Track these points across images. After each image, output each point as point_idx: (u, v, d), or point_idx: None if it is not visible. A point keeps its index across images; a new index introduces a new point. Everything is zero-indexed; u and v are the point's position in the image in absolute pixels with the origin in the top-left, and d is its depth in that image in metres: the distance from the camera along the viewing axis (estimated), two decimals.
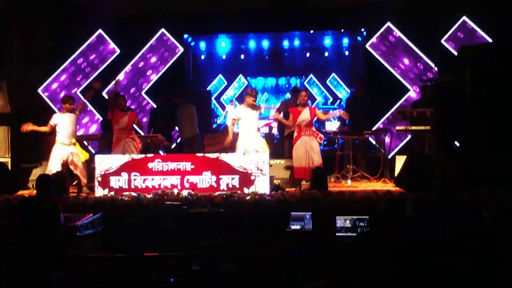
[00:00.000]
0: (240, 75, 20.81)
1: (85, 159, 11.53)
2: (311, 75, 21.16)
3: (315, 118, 11.43)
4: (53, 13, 14.61)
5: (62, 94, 14.84)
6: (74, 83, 15.32)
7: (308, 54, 20.03)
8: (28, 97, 14.96)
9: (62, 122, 11.44)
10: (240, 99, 18.66)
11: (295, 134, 11.33)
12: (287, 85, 21.74)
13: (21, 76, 14.76)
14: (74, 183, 11.72)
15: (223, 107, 20.51)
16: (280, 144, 13.88)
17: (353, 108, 13.06)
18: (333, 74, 20.42)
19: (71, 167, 11.38)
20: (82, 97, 11.91)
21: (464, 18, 14.16)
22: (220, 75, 20.55)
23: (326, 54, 19.67)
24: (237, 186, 10.15)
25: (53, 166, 11.19)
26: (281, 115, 12.19)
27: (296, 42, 18.67)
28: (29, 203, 7.89)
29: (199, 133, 13.72)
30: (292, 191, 10.20)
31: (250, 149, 10.85)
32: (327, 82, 20.79)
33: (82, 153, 11.50)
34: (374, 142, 13.76)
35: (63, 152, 11.33)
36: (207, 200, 9.59)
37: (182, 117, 13.61)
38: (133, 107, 14.96)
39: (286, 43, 18.84)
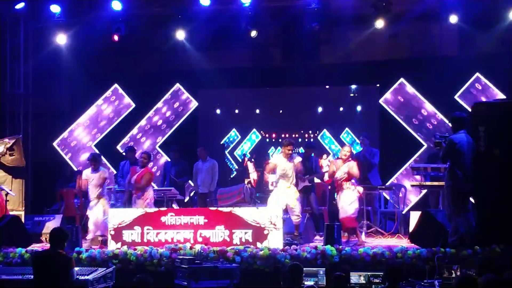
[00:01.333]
0: (254, 129, 20.90)
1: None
2: (325, 130, 21.21)
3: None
4: (70, 68, 14.79)
5: (76, 148, 14.97)
6: (89, 136, 15.44)
7: (321, 109, 20.12)
8: (44, 151, 15.08)
9: (89, 178, 11.53)
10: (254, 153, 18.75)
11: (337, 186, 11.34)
12: (300, 139, 21.78)
13: (36, 129, 14.90)
14: (87, 237, 11.71)
15: (237, 161, 20.54)
16: None
17: (361, 164, 13.04)
18: (347, 128, 20.45)
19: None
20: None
21: (478, 74, 14.23)
22: (233, 129, 20.65)
23: (341, 109, 19.74)
24: (250, 240, 10.09)
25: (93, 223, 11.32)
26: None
27: (310, 97, 18.75)
28: (42, 257, 7.86)
29: (216, 190, 13.64)
30: (306, 246, 10.11)
31: (282, 201, 10.83)
32: (341, 136, 20.82)
33: (106, 207, 11.54)
34: (388, 197, 13.69)
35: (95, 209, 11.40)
36: (219, 255, 9.53)
37: (202, 171, 13.56)
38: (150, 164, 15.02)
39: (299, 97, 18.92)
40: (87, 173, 11.58)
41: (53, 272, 7.48)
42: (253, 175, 15.42)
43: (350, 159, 11.25)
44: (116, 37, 14.01)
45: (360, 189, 11.42)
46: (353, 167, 11.12)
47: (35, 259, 7.90)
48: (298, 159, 11.25)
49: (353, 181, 11.18)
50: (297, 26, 14.21)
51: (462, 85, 14.29)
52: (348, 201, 10.98)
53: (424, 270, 8.85)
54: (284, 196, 10.86)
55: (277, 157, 11.50)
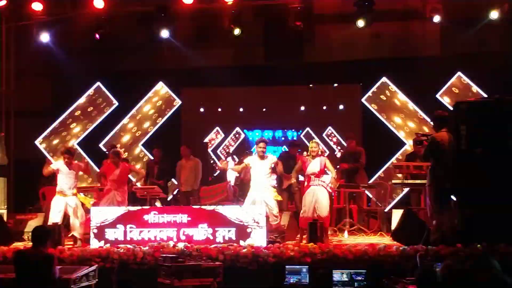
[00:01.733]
0: (237, 127, 20.88)
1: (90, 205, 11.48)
2: (308, 128, 21.23)
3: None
4: (52, 66, 14.73)
5: (59, 146, 14.91)
6: (72, 135, 15.40)
7: (303, 108, 20.14)
8: (26, 149, 15.02)
9: (62, 172, 11.38)
10: (238, 153, 18.71)
11: (305, 183, 11.31)
12: (283, 138, 21.78)
13: (19, 128, 14.83)
14: (69, 235, 11.66)
15: (219, 159, 20.50)
16: None
17: (346, 163, 13.10)
18: (329, 127, 20.49)
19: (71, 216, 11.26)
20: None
21: (459, 73, 14.34)
22: (217, 127, 20.62)
23: (324, 107, 19.77)
24: (234, 238, 10.11)
25: (53, 217, 11.14)
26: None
27: (293, 96, 18.77)
28: (24, 255, 7.81)
29: (199, 188, 13.65)
30: (289, 244, 10.13)
31: (258, 199, 10.85)
32: (323, 135, 20.85)
33: (85, 201, 11.43)
34: (371, 196, 13.76)
35: (61, 203, 11.25)
36: (203, 253, 9.53)
37: (186, 169, 13.57)
38: (130, 158, 15.00)
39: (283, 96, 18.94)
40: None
41: (35, 271, 7.44)
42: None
43: (320, 154, 11.32)
44: (97, 36, 13.96)
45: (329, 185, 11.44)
46: (326, 162, 11.19)
47: (16, 257, 7.85)
48: (272, 159, 11.28)
49: (323, 177, 11.23)
50: (280, 25, 14.24)
51: (444, 84, 14.41)
52: (323, 200, 10.98)
53: (406, 268, 8.90)
54: (261, 196, 10.91)
55: (251, 157, 11.51)
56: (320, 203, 10.94)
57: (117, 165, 11.66)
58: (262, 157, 11.15)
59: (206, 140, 19.17)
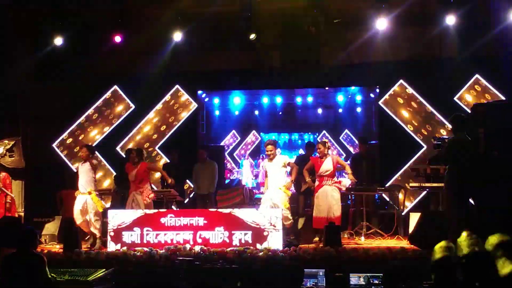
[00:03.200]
0: (254, 131, 20.92)
1: (101, 208, 11.52)
2: (324, 131, 21.23)
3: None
4: (69, 70, 14.80)
5: (76, 149, 14.99)
6: (89, 138, 15.46)
7: (320, 111, 20.14)
8: (43, 153, 15.10)
9: (79, 171, 11.55)
10: (253, 155, 18.75)
11: (317, 183, 11.30)
12: (300, 141, 21.80)
13: (36, 131, 14.92)
14: (87, 238, 11.72)
15: (236, 163, 20.54)
16: (295, 200, 13.82)
17: (358, 166, 13.04)
18: (346, 130, 20.47)
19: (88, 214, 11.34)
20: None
21: (477, 76, 14.25)
22: (233, 131, 20.66)
23: (340, 110, 19.76)
24: (250, 241, 10.11)
25: (75, 215, 11.27)
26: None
27: (310, 99, 18.78)
28: (11, 258, 7.71)
29: (215, 191, 13.66)
30: (306, 247, 10.11)
31: (270, 202, 10.87)
32: (340, 138, 20.83)
33: (98, 203, 11.48)
34: (387, 199, 13.70)
35: (79, 201, 11.36)
36: (219, 256, 9.54)
37: (202, 172, 13.58)
38: (147, 161, 15.03)
39: (299, 99, 18.96)
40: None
41: (24, 272, 7.32)
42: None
43: (327, 154, 11.32)
44: (118, 38, 14.06)
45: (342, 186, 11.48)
46: (337, 159, 11.25)
47: (5, 261, 7.73)
48: (283, 159, 11.29)
49: (335, 179, 11.26)
50: (296, 28, 14.24)
51: (462, 86, 14.32)
52: (335, 200, 11.00)
53: (424, 272, 8.84)
54: (274, 198, 10.90)
55: (264, 161, 11.55)
56: (333, 203, 10.95)
57: (136, 165, 11.75)
58: (272, 159, 11.17)
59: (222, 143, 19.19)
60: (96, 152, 14.64)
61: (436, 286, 5.76)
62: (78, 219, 11.16)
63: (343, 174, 15.64)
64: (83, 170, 11.47)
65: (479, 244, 5.62)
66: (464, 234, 5.65)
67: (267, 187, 11.20)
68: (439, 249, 5.86)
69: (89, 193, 11.39)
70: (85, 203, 11.28)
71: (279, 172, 11.15)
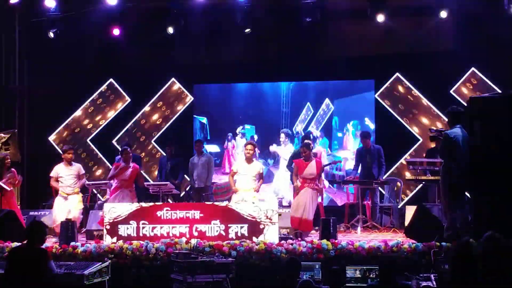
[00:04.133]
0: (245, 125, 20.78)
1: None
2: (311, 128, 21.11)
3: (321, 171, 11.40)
4: (65, 62, 14.77)
5: (72, 142, 14.99)
6: (84, 131, 15.45)
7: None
8: (39, 145, 15.08)
9: (63, 174, 11.58)
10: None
11: (298, 183, 11.19)
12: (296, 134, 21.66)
13: (32, 124, 14.91)
14: (83, 231, 11.73)
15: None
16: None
17: (363, 160, 13.04)
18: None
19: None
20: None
21: (473, 69, 14.25)
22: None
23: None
24: (246, 235, 10.09)
25: (58, 216, 11.31)
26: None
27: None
28: (17, 252, 7.69)
29: (211, 185, 13.65)
30: (302, 240, 10.11)
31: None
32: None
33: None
34: (384, 192, 13.71)
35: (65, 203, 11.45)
36: (215, 249, 9.53)
37: (198, 166, 13.54)
38: (142, 154, 15.03)
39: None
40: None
41: (28, 267, 7.29)
42: None
43: (312, 157, 11.23)
44: (117, 31, 14.06)
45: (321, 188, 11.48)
46: (322, 161, 11.23)
47: (10, 254, 7.74)
48: (259, 167, 11.28)
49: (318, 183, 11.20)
50: (293, 21, 14.22)
51: (458, 79, 14.33)
52: (310, 203, 10.90)
53: (420, 265, 8.87)
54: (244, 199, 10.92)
55: (238, 161, 11.43)
56: (309, 207, 10.80)
57: (127, 165, 11.79)
58: (250, 161, 11.15)
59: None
60: (92, 146, 14.74)
61: (453, 278, 5.75)
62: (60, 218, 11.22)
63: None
64: (69, 172, 11.60)
65: (501, 240, 5.61)
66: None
67: (234, 186, 11.16)
68: (460, 242, 5.88)
69: (77, 193, 11.62)
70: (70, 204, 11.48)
71: (251, 177, 11.11)
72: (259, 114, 15.86)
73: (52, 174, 11.72)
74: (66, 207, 11.42)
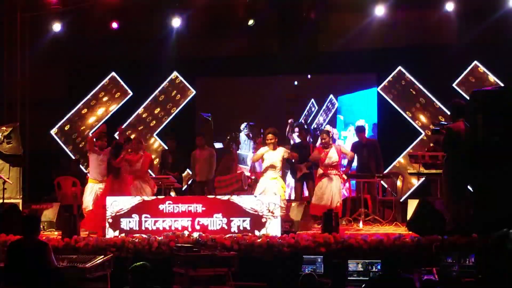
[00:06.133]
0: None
1: None
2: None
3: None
4: (67, 56, 14.77)
5: (74, 135, 15.02)
6: (87, 125, 15.45)
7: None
8: (41, 139, 15.08)
9: (93, 159, 11.56)
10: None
11: (320, 171, 11.24)
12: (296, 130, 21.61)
13: (34, 118, 14.92)
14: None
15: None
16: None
17: (359, 154, 13.02)
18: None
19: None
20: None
21: (476, 62, 14.23)
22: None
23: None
24: (248, 228, 10.08)
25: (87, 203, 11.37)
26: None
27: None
28: (17, 245, 7.65)
29: (213, 178, 13.64)
30: (304, 233, 10.11)
31: (267, 191, 10.84)
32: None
33: None
34: (386, 186, 13.69)
35: (92, 190, 11.43)
36: (217, 243, 9.53)
37: (200, 159, 13.51)
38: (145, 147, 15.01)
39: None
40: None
41: (29, 260, 7.26)
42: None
43: (331, 143, 11.27)
44: (115, 25, 14.03)
45: (344, 176, 11.52)
46: (341, 148, 11.22)
47: (10, 248, 7.68)
48: (283, 151, 11.23)
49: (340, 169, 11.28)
50: (294, 14, 14.20)
51: (460, 73, 14.31)
52: (338, 190, 11.00)
53: (422, 258, 8.86)
54: (269, 187, 10.89)
55: (263, 148, 11.42)
56: (336, 193, 10.96)
57: (138, 154, 11.79)
58: (274, 148, 11.10)
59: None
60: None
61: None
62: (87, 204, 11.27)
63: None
64: (98, 159, 11.51)
65: None
66: None
67: (265, 175, 11.15)
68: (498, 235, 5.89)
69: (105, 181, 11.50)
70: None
71: (278, 163, 11.09)
72: (262, 109, 15.82)
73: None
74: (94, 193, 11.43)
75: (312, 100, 15.53)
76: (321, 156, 11.17)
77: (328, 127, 11.83)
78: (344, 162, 12.28)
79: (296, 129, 13.97)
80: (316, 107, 15.50)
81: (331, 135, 11.37)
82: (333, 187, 11.01)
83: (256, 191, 11.07)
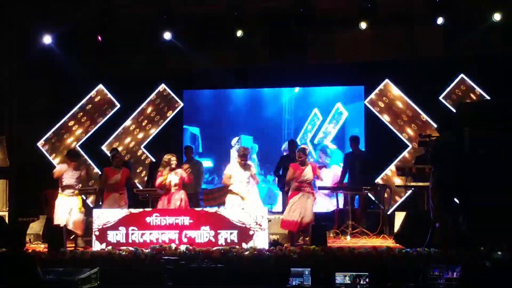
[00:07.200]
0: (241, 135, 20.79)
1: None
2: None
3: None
4: (54, 68, 14.75)
5: (61, 148, 14.98)
6: (74, 137, 15.39)
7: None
8: (27, 151, 15.02)
9: (67, 175, 11.56)
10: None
11: (294, 186, 11.23)
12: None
13: (21, 130, 14.86)
14: (71, 237, 11.66)
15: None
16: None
17: (351, 164, 13.07)
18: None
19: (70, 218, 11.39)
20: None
21: (462, 75, 14.31)
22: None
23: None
24: (236, 241, 10.08)
25: (59, 217, 11.31)
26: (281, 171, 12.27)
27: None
28: (2, 257, 7.57)
29: (201, 191, 13.62)
30: (291, 247, 10.11)
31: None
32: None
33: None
34: (373, 198, 13.72)
35: (67, 204, 11.40)
36: (205, 255, 9.52)
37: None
38: (132, 160, 14.98)
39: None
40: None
41: (15, 273, 7.18)
42: None
43: (307, 162, 11.30)
44: (99, 38, 14.03)
45: (317, 195, 11.60)
46: (316, 169, 11.28)
47: None
48: (253, 169, 11.32)
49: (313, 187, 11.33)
50: (283, 27, 14.24)
51: (447, 86, 14.37)
52: (310, 207, 11.02)
53: (409, 271, 8.87)
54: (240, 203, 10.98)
55: (231, 167, 11.44)
56: (308, 209, 10.93)
57: (118, 169, 11.78)
58: (244, 166, 11.23)
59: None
60: (81, 152, 14.69)
61: None
62: (60, 219, 11.21)
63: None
64: (72, 174, 11.57)
65: None
66: None
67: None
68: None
69: (77, 195, 11.62)
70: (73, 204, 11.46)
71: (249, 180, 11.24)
72: (256, 123, 15.84)
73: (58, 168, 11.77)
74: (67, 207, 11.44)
75: (315, 110, 15.53)
76: (296, 174, 11.16)
77: (303, 145, 11.82)
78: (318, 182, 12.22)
79: (286, 144, 14.07)
80: (320, 118, 15.51)
81: (307, 153, 11.38)
82: (307, 204, 10.98)
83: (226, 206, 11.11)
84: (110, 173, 11.78)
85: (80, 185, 11.87)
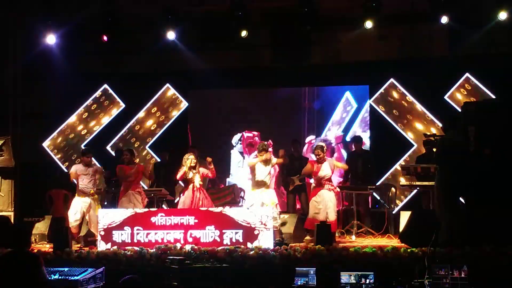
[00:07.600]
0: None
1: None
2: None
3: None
4: (59, 68, 14.76)
5: (66, 148, 14.99)
6: (79, 137, 15.41)
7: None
8: (33, 152, 15.04)
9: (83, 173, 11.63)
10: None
11: (313, 185, 11.32)
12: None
13: (26, 130, 14.88)
14: (77, 237, 11.68)
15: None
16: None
17: (354, 164, 13.06)
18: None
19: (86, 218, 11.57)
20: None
21: (467, 74, 14.27)
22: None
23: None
24: (241, 240, 10.08)
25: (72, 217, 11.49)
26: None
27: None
28: (6, 258, 7.55)
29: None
30: (297, 246, 10.10)
31: (258, 202, 10.87)
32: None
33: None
34: (378, 197, 13.70)
35: (83, 205, 11.54)
36: (210, 255, 9.52)
37: None
38: (137, 160, 14.97)
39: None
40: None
41: (20, 273, 7.09)
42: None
43: (325, 158, 11.36)
44: (105, 38, 14.02)
45: (338, 189, 11.59)
46: (334, 162, 11.35)
47: (1, 261, 7.55)
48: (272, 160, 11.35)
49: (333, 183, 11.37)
50: (287, 27, 14.23)
51: (452, 85, 14.32)
52: (333, 204, 11.07)
53: (414, 270, 8.86)
54: (261, 198, 10.94)
55: (253, 161, 11.46)
56: (330, 207, 11.01)
57: (131, 165, 11.84)
58: (265, 161, 11.19)
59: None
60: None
61: None
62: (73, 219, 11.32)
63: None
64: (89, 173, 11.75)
65: None
66: None
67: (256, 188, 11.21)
68: None
69: (92, 194, 11.75)
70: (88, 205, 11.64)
71: (270, 176, 11.27)
72: (255, 121, 15.85)
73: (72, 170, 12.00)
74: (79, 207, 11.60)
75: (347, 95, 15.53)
76: (314, 170, 11.23)
77: (321, 143, 11.88)
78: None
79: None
80: (353, 106, 15.63)
81: (325, 151, 11.42)
82: (328, 202, 11.07)
83: (246, 202, 11.15)
84: (126, 168, 11.80)
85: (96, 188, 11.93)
